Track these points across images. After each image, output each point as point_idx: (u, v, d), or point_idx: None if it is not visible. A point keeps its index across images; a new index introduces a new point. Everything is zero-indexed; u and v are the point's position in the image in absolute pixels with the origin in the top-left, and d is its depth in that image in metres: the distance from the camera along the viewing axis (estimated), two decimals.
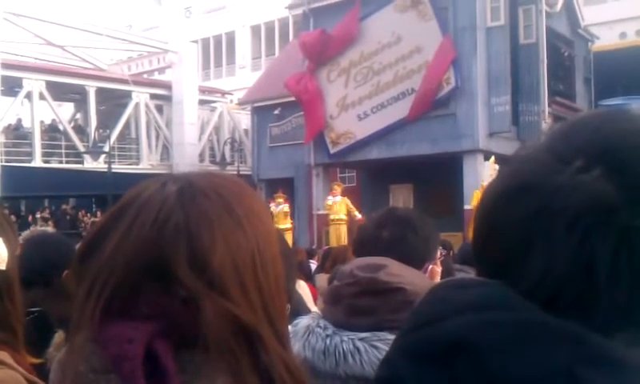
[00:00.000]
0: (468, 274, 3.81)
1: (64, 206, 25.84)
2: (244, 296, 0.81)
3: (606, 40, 24.62)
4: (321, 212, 18.52)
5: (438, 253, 1.89)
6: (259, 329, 0.81)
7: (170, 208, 0.82)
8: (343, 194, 16.85)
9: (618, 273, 0.66)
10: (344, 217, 16.36)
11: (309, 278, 6.23)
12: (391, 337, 1.48)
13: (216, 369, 0.77)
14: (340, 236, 15.82)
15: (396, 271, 1.56)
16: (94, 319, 0.79)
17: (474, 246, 0.80)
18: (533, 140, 0.80)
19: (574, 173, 0.69)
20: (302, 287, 4.85)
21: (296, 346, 1.60)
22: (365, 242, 1.84)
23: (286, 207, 16.75)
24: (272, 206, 16.35)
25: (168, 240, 0.79)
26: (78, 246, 0.88)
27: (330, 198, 16.84)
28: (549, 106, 19.12)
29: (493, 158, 13.66)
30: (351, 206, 16.44)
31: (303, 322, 1.68)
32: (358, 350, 1.51)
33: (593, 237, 0.66)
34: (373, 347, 1.50)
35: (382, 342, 1.49)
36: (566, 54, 21.79)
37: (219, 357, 0.77)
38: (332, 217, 16.55)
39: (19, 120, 24.29)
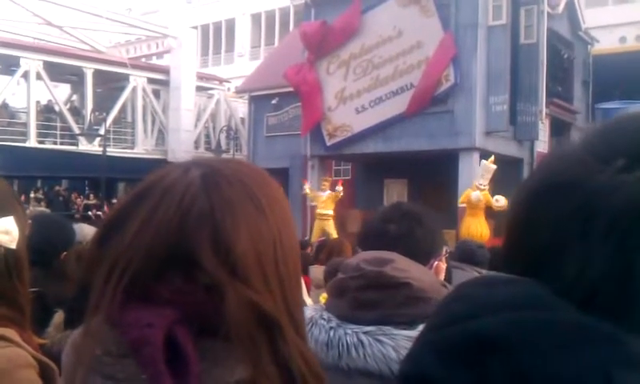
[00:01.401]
0: (465, 271, 3.82)
1: (57, 188, 25.75)
2: (265, 285, 0.80)
3: (606, 44, 24.64)
4: (315, 203, 18.55)
5: (444, 250, 1.88)
6: (280, 318, 0.80)
7: (194, 194, 0.81)
8: (331, 188, 17.01)
9: None
10: (331, 212, 16.49)
11: (304, 269, 6.21)
12: (396, 331, 1.48)
13: (236, 357, 0.77)
14: (323, 230, 15.97)
15: (403, 266, 1.55)
16: (114, 303, 0.78)
17: (506, 243, 0.79)
18: (568, 140, 0.78)
19: (615, 173, 0.68)
20: None
21: None
22: (371, 235, 1.84)
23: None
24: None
25: (192, 226, 0.78)
26: (96, 229, 0.86)
27: (321, 193, 16.92)
28: (546, 107, 19.15)
29: (492, 157, 13.69)
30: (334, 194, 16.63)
31: (306, 313, 1.67)
32: (362, 343, 1.50)
33: (632, 238, 0.65)
34: (377, 341, 1.49)
35: (387, 337, 1.49)
36: (565, 55, 21.79)
37: (240, 345, 0.76)
38: (319, 211, 16.72)
39: (7, 98, 24.04)
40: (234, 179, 0.84)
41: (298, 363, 0.80)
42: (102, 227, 0.85)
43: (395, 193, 21.41)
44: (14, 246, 1.24)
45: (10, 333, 1.21)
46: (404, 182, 21.68)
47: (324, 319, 1.61)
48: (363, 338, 1.51)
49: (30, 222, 1.42)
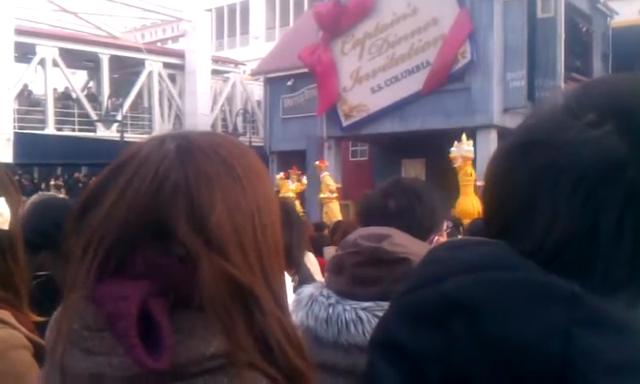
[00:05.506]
0: None
1: (77, 175, 26.01)
2: (242, 256, 0.80)
3: (626, 15, 24.18)
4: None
5: (445, 225, 1.87)
6: (256, 289, 0.80)
7: (169, 166, 0.80)
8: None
9: (622, 231, 0.64)
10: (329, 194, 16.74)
11: (320, 251, 6.21)
12: None
13: (212, 330, 0.77)
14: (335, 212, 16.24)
15: (400, 241, 1.54)
16: (90, 277, 0.79)
17: (484, 205, 0.78)
18: (551, 98, 0.77)
19: (584, 127, 0.66)
20: (311, 260, 4.85)
21: (299, 315, 1.60)
22: (370, 211, 1.83)
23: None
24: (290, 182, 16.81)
25: (167, 198, 0.78)
26: (75, 204, 0.87)
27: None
28: (565, 82, 18.82)
29: (463, 135, 13.74)
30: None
31: (307, 290, 1.67)
32: (361, 319, 1.50)
33: (599, 193, 0.64)
34: (375, 317, 1.49)
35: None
36: (584, 29, 21.41)
37: (214, 317, 0.76)
38: (321, 196, 16.91)
39: (25, 85, 24.21)
40: (210, 151, 0.84)
41: (275, 334, 0.80)
42: (81, 202, 0.85)
43: (413, 172, 21.27)
44: (6, 227, 1.24)
45: (5, 314, 1.22)
46: (422, 161, 21.55)
47: (324, 296, 1.61)
48: (362, 314, 1.51)
49: (24, 200, 1.42)
